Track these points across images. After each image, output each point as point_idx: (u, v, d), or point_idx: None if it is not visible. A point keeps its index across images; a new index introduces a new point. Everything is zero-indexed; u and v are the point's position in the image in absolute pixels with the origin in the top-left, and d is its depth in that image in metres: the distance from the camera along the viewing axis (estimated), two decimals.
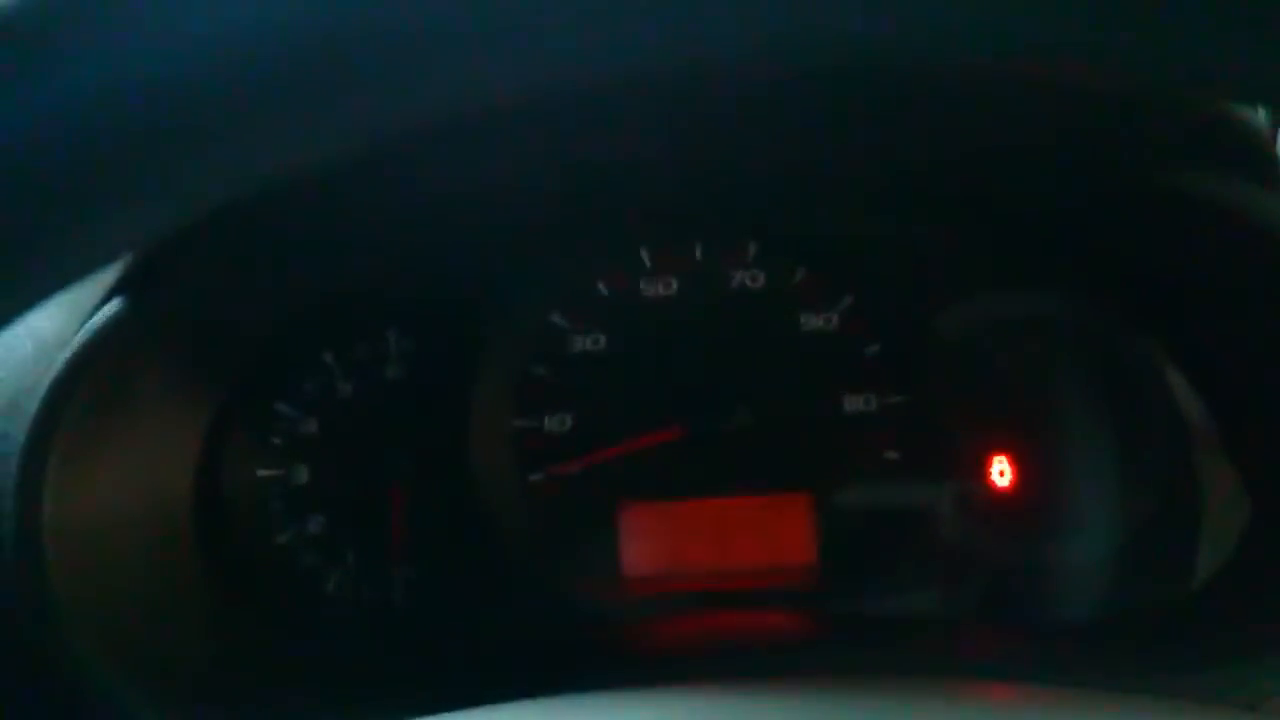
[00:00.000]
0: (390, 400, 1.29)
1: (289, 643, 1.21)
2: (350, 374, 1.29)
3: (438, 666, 1.15)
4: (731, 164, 1.19)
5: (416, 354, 1.29)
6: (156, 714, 0.97)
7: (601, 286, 1.32)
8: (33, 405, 0.94)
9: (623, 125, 1.05)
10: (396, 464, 1.28)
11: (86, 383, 0.96)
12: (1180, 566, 1.18)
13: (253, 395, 1.25)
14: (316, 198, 1.03)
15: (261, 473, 1.27)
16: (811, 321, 1.31)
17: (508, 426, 1.30)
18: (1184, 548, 1.19)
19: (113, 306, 0.96)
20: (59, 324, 1.01)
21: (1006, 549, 1.25)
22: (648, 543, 1.30)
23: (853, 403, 1.30)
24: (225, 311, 1.13)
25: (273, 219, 1.03)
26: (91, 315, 0.96)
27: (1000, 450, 1.27)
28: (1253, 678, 0.99)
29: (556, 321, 1.31)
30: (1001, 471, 1.27)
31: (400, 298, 1.29)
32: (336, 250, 1.17)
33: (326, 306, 1.25)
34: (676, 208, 1.29)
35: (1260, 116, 0.99)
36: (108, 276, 0.97)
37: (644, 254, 1.32)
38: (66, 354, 0.95)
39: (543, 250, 1.30)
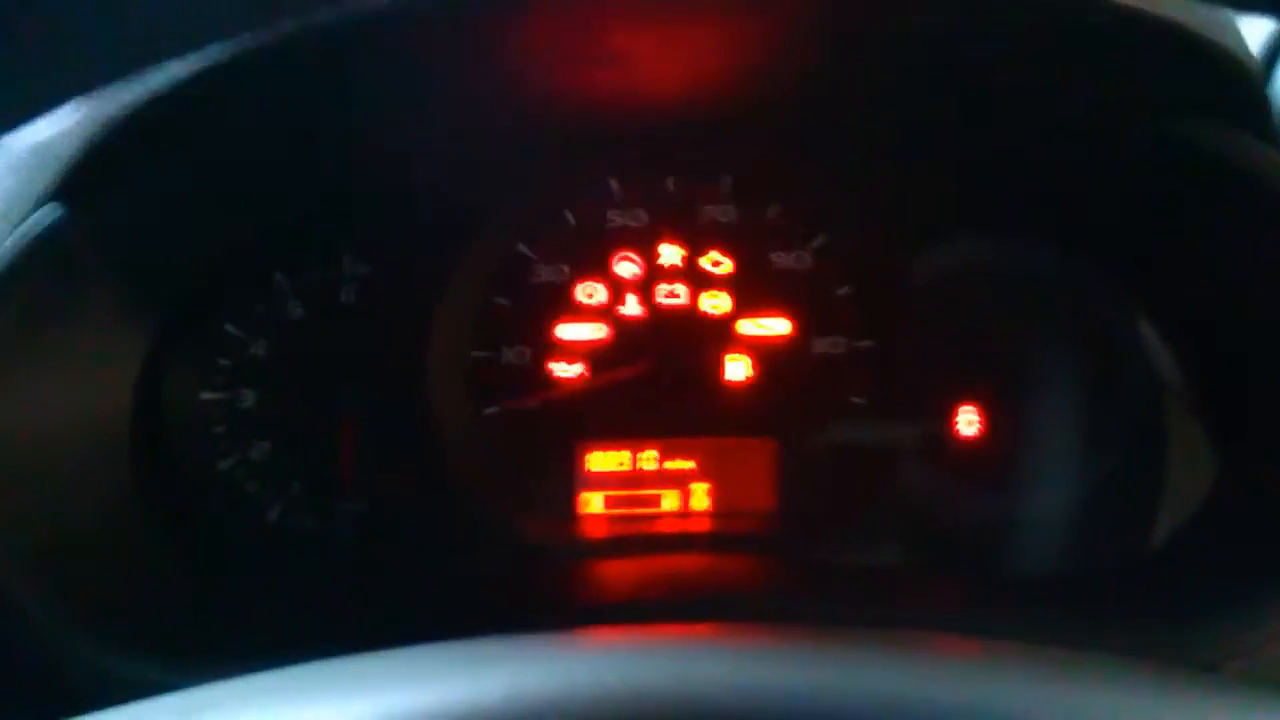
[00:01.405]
0: (343, 325, 1.24)
1: (228, 573, 1.16)
2: (303, 297, 1.24)
3: (382, 603, 1.11)
4: (708, 95, 1.14)
5: (373, 278, 1.24)
6: (86, 644, 0.93)
7: (569, 216, 1.27)
8: None
9: (595, 57, 1.01)
10: (348, 392, 1.24)
11: (17, 293, 0.91)
12: (1143, 522, 1.17)
13: (199, 314, 1.20)
14: (270, 104, 0.98)
15: (205, 395, 1.22)
16: (783, 259, 1.27)
17: (465, 357, 1.26)
18: (1148, 504, 1.18)
19: (48, 212, 0.91)
20: None
21: (971, 500, 1.24)
22: (604, 482, 1.28)
23: (821, 345, 1.27)
24: (171, 223, 1.07)
25: (223, 126, 0.98)
26: (24, 221, 0.91)
27: (969, 399, 1.25)
28: (1214, 637, 0.98)
29: (521, 250, 1.27)
30: (969, 421, 1.25)
31: (358, 220, 1.24)
32: (292, 166, 1.12)
33: (279, 225, 1.20)
34: (649, 138, 1.24)
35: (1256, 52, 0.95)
36: (43, 181, 0.92)
37: (613, 184, 1.27)
38: None
39: (510, 176, 1.24)
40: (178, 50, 0.42)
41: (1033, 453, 1.24)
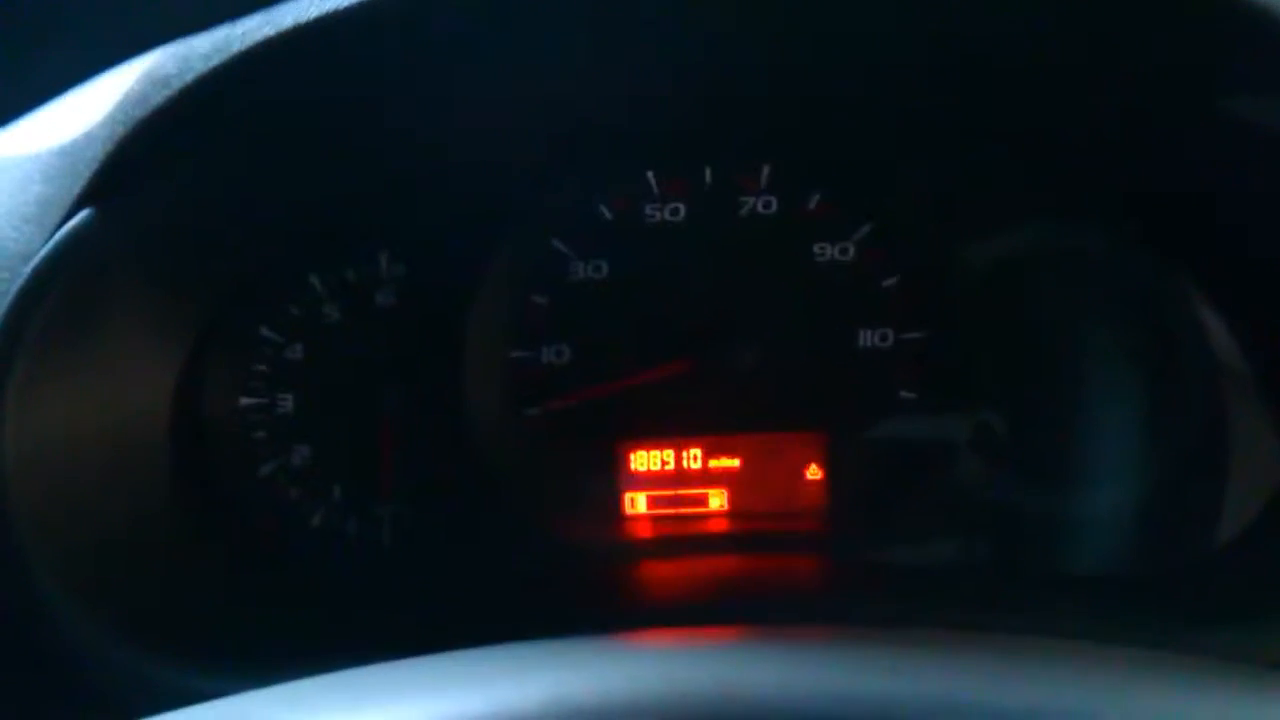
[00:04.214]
0: (380, 327, 1.23)
1: (271, 580, 1.16)
2: (339, 299, 1.23)
3: (427, 607, 1.10)
4: (745, 82, 1.12)
5: (409, 279, 1.23)
6: (125, 652, 0.92)
7: (605, 210, 1.25)
8: None
9: (630, 41, 0.98)
10: (386, 394, 1.23)
11: (52, 298, 0.90)
12: (1208, 517, 1.13)
13: (235, 318, 1.19)
14: (305, 106, 0.96)
15: (244, 401, 1.22)
16: (826, 251, 1.24)
17: (503, 358, 1.24)
18: (1213, 497, 1.14)
19: (83, 216, 0.90)
20: (25, 235, 0.94)
21: (1027, 496, 1.20)
22: (649, 482, 1.25)
23: (868, 338, 1.24)
24: (206, 226, 1.06)
25: (257, 127, 0.97)
26: (61, 225, 0.90)
27: (1024, 391, 1.21)
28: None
29: (557, 247, 1.25)
30: (1024, 414, 1.21)
31: (393, 219, 1.22)
32: (325, 165, 1.10)
33: (314, 226, 1.19)
34: (685, 128, 1.21)
35: None
36: (74, 186, 0.91)
37: (650, 177, 1.25)
38: (31, 266, 0.89)
39: (544, 172, 1.23)
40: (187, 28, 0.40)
41: (1091, 446, 1.20)
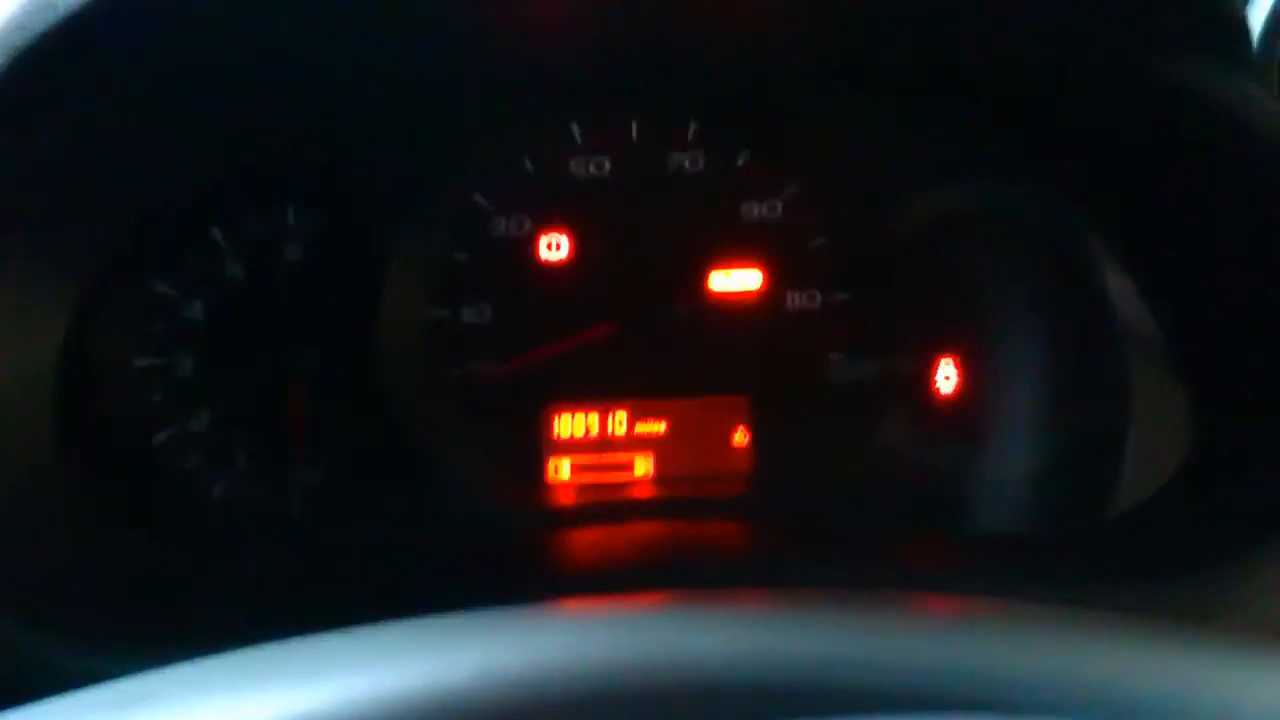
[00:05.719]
0: (288, 284, 1.16)
1: (169, 554, 1.09)
2: (242, 253, 1.16)
3: (338, 581, 1.05)
4: (672, 31, 1.08)
5: (320, 233, 1.17)
6: (12, 635, 0.85)
7: (528, 164, 1.21)
8: None
9: None
10: (295, 356, 1.16)
11: None
12: (1125, 479, 1.14)
13: (128, 272, 1.11)
14: (202, 31, 0.89)
15: (139, 362, 1.14)
16: (754, 210, 1.22)
17: (421, 317, 1.19)
18: (1128, 460, 1.14)
19: None
20: None
21: (945, 457, 1.20)
22: (573, 448, 1.22)
23: (795, 299, 1.23)
24: (93, 166, 0.98)
25: (150, 57, 0.89)
26: None
27: (947, 353, 1.21)
28: (1201, 592, 0.94)
29: (478, 201, 1.20)
30: (947, 376, 1.21)
31: (302, 169, 1.16)
32: (226, 103, 1.03)
33: (215, 173, 1.12)
34: (611, 80, 1.17)
35: None
36: None
37: (575, 130, 1.21)
38: None
39: (464, 122, 1.18)
40: None
41: (1007, 407, 1.21)
